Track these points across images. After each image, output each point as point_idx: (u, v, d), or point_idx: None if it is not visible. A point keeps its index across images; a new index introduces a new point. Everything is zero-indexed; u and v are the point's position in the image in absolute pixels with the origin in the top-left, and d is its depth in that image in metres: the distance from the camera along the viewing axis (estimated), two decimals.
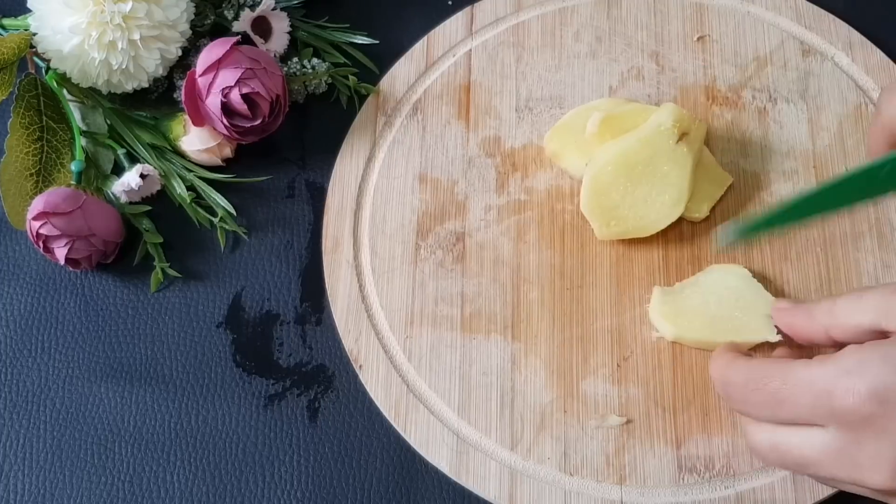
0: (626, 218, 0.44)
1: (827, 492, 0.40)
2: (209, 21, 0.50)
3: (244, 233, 0.48)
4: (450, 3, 0.54)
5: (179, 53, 0.49)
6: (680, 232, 0.46)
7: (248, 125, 0.47)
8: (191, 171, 0.49)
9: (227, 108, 0.46)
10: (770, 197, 0.47)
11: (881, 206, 0.46)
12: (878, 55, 0.50)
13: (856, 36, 0.51)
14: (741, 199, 0.47)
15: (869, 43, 0.51)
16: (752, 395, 0.35)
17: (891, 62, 0.50)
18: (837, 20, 0.51)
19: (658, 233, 0.45)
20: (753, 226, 0.39)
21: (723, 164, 0.47)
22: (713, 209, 0.46)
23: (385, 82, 0.51)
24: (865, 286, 0.42)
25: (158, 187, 0.49)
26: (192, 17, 0.49)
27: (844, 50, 0.51)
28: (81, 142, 0.48)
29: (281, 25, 0.51)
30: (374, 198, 0.48)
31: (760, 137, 0.49)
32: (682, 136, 0.44)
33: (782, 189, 0.47)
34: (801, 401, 0.33)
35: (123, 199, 0.48)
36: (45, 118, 0.47)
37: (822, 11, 0.52)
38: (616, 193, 0.44)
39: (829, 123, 0.49)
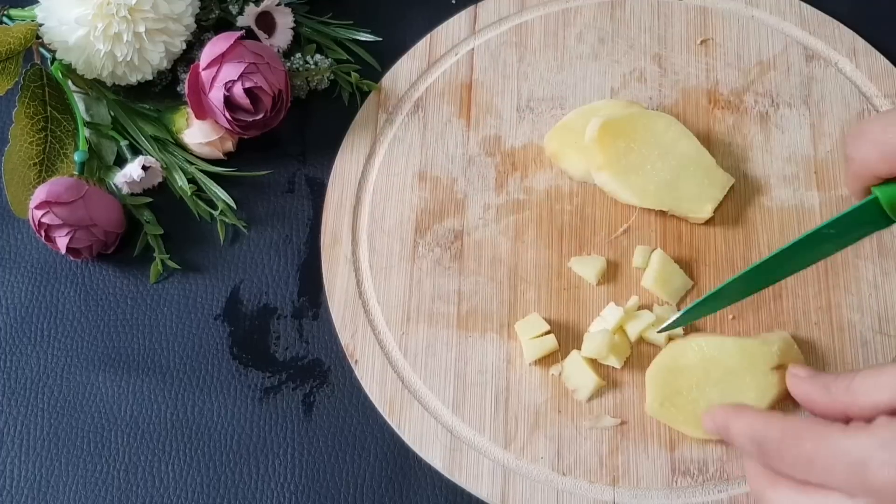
0: (682, 406, 0.42)
1: None
2: (214, 15, 0.51)
3: (244, 226, 0.48)
4: (453, 1, 0.54)
5: (184, 47, 0.49)
6: (680, 234, 0.46)
7: (250, 119, 0.47)
8: (192, 163, 0.49)
9: (229, 102, 0.46)
10: (770, 202, 0.47)
11: None
12: (882, 62, 0.50)
13: (860, 42, 0.51)
14: (742, 203, 0.47)
15: (873, 49, 0.50)
16: (788, 451, 0.34)
17: (895, 69, 0.50)
18: (842, 26, 0.51)
19: (657, 235, 0.45)
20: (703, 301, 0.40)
21: (724, 168, 0.47)
22: (714, 212, 0.46)
23: (387, 79, 0.51)
24: (881, 364, 0.39)
25: (160, 179, 0.49)
26: (197, 11, 0.49)
27: (848, 56, 0.50)
28: (85, 132, 0.48)
29: (285, 21, 0.51)
30: (373, 194, 0.48)
31: (762, 142, 0.48)
32: (779, 367, 0.42)
33: (783, 193, 0.47)
34: (835, 468, 0.32)
35: (125, 190, 0.48)
36: (49, 108, 0.48)
37: (827, 17, 0.51)
38: (687, 383, 0.42)
39: (832, 129, 0.49)
